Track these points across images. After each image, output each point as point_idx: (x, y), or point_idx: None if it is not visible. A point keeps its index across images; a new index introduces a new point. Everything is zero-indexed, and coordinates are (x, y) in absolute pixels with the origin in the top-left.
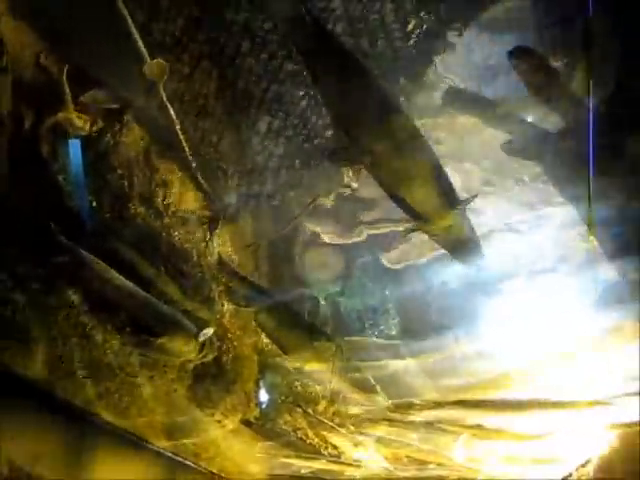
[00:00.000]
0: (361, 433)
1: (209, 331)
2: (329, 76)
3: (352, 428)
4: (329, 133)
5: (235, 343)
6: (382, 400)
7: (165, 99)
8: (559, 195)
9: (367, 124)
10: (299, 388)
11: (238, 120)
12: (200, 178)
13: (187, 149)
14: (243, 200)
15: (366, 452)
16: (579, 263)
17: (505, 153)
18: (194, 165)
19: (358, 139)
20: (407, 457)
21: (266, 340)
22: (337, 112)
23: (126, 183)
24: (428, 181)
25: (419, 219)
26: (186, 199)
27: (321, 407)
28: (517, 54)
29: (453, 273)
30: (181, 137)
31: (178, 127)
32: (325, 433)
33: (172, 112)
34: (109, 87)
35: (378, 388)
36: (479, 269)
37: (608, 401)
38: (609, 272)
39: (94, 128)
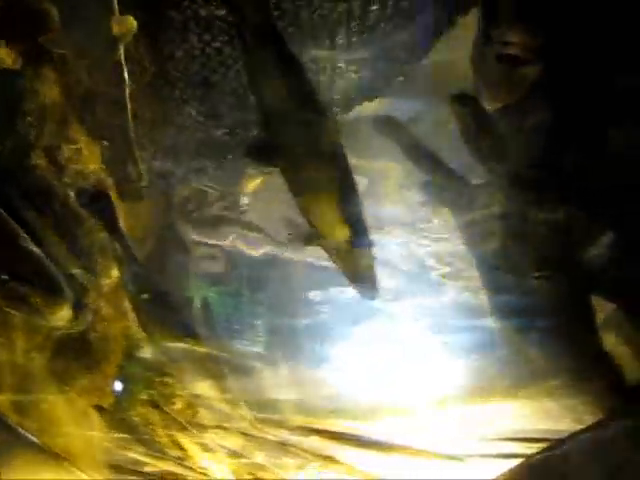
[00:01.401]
0: (213, 441)
1: None
2: (265, 71)
3: (205, 434)
4: (254, 130)
5: (106, 322)
6: (244, 412)
7: (123, 58)
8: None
9: (292, 127)
10: (159, 383)
11: (166, 96)
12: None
13: (127, 114)
14: (152, 178)
15: (215, 461)
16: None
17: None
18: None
19: (279, 139)
20: (250, 474)
21: (137, 327)
22: (264, 109)
23: (34, 132)
24: (335, 205)
25: (317, 239)
26: (91, 162)
27: (177, 406)
28: (458, 98)
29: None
30: (127, 99)
31: (128, 90)
32: (176, 434)
33: (126, 73)
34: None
35: (242, 399)
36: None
37: (462, 457)
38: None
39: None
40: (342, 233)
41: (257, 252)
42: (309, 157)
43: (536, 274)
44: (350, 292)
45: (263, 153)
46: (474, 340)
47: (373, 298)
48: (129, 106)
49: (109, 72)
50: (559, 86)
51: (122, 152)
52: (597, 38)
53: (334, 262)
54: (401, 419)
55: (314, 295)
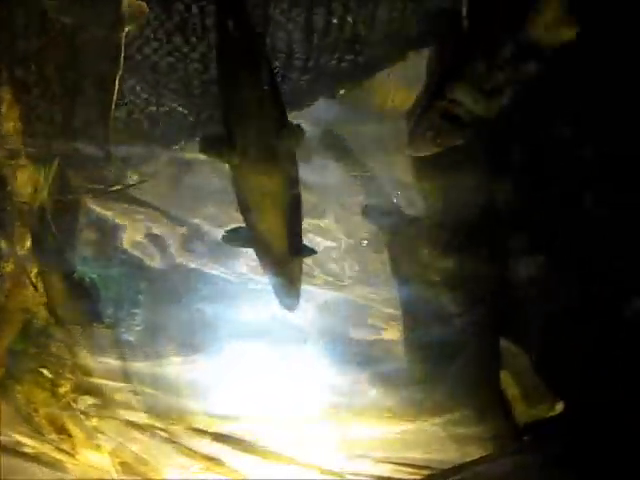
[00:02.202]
0: (97, 429)
1: None
2: (233, 65)
3: (90, 421)
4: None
5: (7, 294)
6: (134, 402)
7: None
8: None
9: (251, 130)
10: (49, 361)
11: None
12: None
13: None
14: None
15: (97, 451)
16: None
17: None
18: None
19: (236, 138)
20: (131, 468)
21: (40, 304)
22: (227, 103)
23: None
24: (280, 212)
25: (256, 246)
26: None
27: (65, 389)
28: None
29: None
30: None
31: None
32: (59, 417)
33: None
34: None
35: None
36: None
37: (342, 474)
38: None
39: None
40: (282, 242)
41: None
42: (263, 160)
43: (455, 312)
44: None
45: (217, 147)
46: (366, 358)
47: (292, 310)
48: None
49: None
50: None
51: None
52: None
53: (263, 268)
54: (289, 430)
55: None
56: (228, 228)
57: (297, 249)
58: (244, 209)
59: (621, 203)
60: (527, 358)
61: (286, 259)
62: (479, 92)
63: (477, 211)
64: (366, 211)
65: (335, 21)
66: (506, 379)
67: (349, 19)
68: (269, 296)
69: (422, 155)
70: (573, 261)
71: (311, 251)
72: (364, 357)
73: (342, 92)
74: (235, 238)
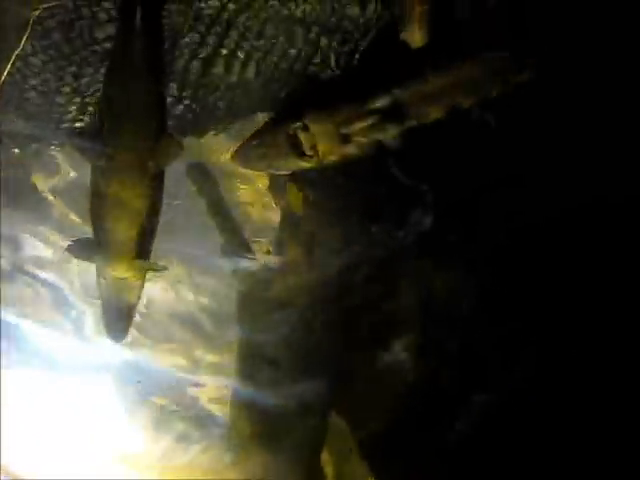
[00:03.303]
0: None
1: None
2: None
3: None
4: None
5: None
6: None
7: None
8: None
9: (129, 125)
10: None
11: None
12: None
13: None
14: None
15: None
16: None
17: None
18: None
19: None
20: None
21: None
22: (110, 97)
23: None
24: (135, 226)
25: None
26: None
27: None
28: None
29: None
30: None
31: None
32: None
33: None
34: None
35: None
36: None
37: None
38: None
39: None
40: (129, 256)
41: None
42: (131, 168)
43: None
44: None
45: (84, 141)
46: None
47: (118, 340)
48: None
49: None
50: None
51: None
52: None
53: (99, 287)
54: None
55: None
56: (74, 238)
57: (141, 269)
58: (96, 215)
59: None
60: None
61: (125, 279)
62: (335, 134)
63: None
64: (223, 250)
65: None
66: (325, 456)
67: None
68: None
69: (242, 168)
70: None
71: (162, 267)
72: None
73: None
74: (81, 250)
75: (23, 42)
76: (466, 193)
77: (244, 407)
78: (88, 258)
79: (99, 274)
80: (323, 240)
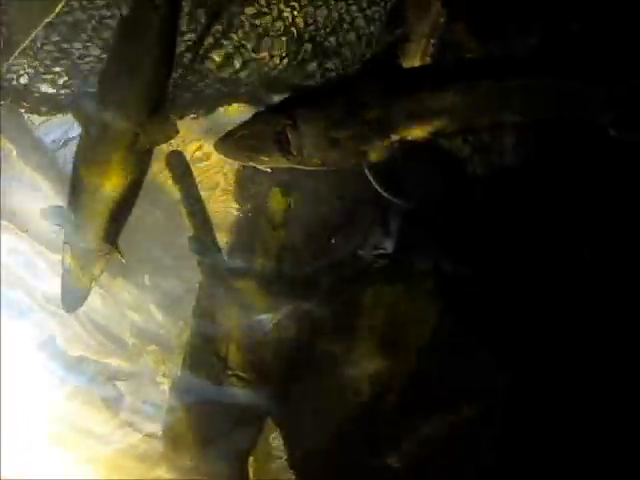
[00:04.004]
0: None
1: None
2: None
3: None
4: None
5: None
6: None
7: None
8: None
9: (125, 89)
10: None
11: None
12: None
13: None
14: None
15: None
16: None
17: None
18: None
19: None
20: None
21: None
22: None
23: None
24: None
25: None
26: None
27: None
28: None
29: None
30: None
31: None
32: None
33: None
34: None
35: None
36: None
37: None
38: None
39: None
40: (99, 231)
41: None
42: (116, 139)
43: None
44: None
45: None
46: None
47: (71, 311)
48: None
49: None
50: None
51: None
52: None
53: (65, 255)
54: None
55: None
56: (49, 205)
57: (113, 241)
58: (76, 180)
59: None
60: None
61: (96, 250)
62: (323, 137)
63: None
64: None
65: None
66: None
67: None
68: None
69: (223, 155)
70: None
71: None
72: None
73: None
74: (53, 215)
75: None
76: (438, 217)
77: (185, 400)
78: (59, 224)
79: (66, 240)
80: (292, 249)
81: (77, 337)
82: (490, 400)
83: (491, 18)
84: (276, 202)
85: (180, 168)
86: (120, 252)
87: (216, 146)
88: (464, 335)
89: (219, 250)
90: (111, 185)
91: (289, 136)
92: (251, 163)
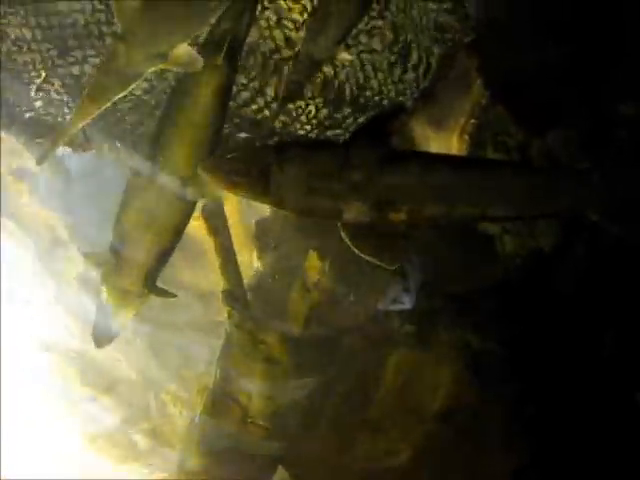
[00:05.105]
0: None
1: None
2: None
3: None
4: None
5: None
6: None
7: None
8: None
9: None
10: None
11: None
12: None
13: None
14: None
15: None
16: None
17: None
18: None
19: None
20: None
21: None
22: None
23: None
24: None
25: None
26: None
27: None
28: None
29: None
30: None
31: None
32: None
33: None
34: None
35: None
36: None
37: None
38: None
39: None
40: (141, 272)
41: None
42: (166, 191)
43: None
44: None
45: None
46: None
47: (101, 346)
48: None
49: None
50: None
51: None
52: None
53: (100, 291)
54: None
55: None
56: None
57: (152, 285)
58: (120, 224)
59: None
60: None
61: (134, 293)
62: (303, 183)
63: None
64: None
65: None
66: None
67: None
68: None
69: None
70: None
71: (170, 294)
72: None
73: None
74: (95, 257)
75: None
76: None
77: (202, 443)
78: (99, 265)
79: (104, 281)
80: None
81: None
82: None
83: (530, 104)
84: (312, 265)
85: (217, 221)
86: (160, 293)
87: (202, 164)
88: (485, 405)
89: (249, 304)
90: (154, 234)
91: (272, 174)
92: (229, 189)
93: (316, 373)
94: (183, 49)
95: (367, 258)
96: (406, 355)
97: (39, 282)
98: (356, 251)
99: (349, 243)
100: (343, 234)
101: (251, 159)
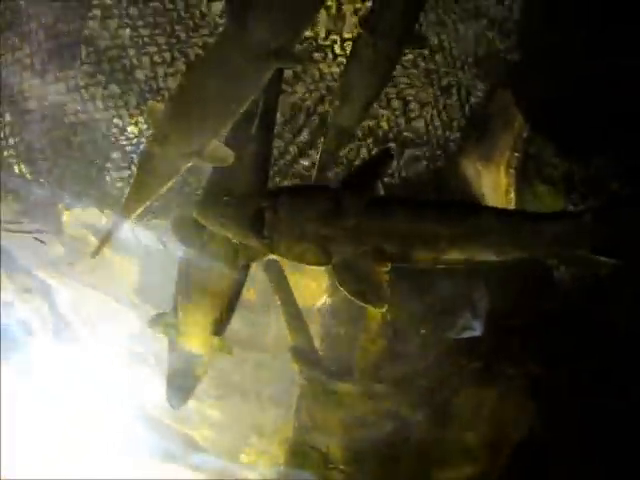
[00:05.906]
0: None
1: None
2: None
3: None
4: None
5: None
6: None
7: None
8: None
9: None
10: None
11: None
12: None
13: None
14: None
15: None
16: None
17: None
18: None
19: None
20: None
21: None
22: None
23: None
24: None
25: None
26: None
27: None
28: None
29: None
30: None
31: None
32: None
33: None
34: None
35: None
36: None
37: None
38: None
39: None
40: (205, 336)
41: None
42: (219, 259)
43: None
44: None
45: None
46: None
47: (176, 408)
48: None
49: None
50: None
51: None
52: None
53: (169, 355)
54: None
55: None
56: (154, 313)
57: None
58: (181, 292)
59: None
60: None
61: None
62: (296, 227)
63: None
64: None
65: None
66: None
67: None
68: None
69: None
70: None
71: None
72: None
73: None
74: (160, 322)
75: None
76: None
77: None
78: (165, 331)
79: (172, 346)
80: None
81: None
82: None
83: (572, 135)
84: (373, 314)
85: (278, 278)
86: (228, 351)
87: (196, 206)
88: (556, 437)
89: (319, 357)
90: (211, 300)
91: (266, 217)
92: (222, 230)
93: (391, 417)
94: (214, 145)
95: (355, 299)
96: (475, 391)
97: None
98: (345, 292)
99: (338, 285)
100: (336, 275)
101: (245, 203)
